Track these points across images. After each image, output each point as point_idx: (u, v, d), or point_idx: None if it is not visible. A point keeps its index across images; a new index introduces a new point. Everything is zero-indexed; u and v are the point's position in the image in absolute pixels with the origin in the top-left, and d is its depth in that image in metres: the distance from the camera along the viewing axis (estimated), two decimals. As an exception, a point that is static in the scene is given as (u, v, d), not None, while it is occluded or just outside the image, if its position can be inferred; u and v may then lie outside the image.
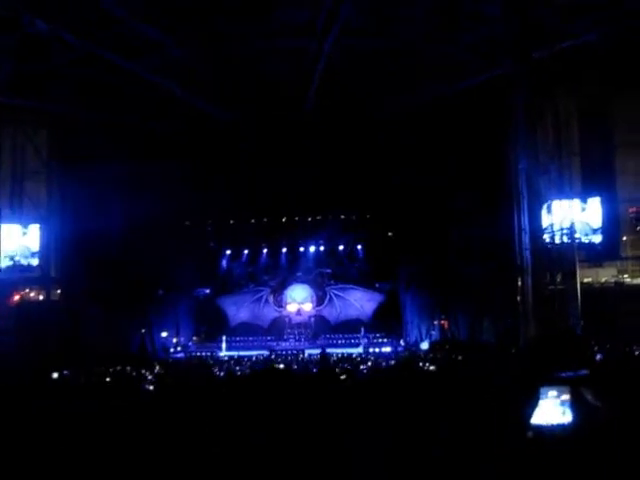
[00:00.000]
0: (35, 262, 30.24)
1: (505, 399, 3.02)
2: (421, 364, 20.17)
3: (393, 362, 23.87)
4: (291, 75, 25.35)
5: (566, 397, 3.23)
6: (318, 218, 36.05)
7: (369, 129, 28.53)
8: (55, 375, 17.18)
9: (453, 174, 28.18)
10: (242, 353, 32.01)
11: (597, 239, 27.30)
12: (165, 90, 25.50)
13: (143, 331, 32.70)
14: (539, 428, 3.07)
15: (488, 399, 3.15)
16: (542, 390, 3.07)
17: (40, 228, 30.31)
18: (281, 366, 22.32)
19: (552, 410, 3.16)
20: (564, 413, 3.19)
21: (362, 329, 35.18)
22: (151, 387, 13.14)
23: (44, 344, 26.98)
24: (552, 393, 3.20)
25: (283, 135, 29.18)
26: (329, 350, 30.38)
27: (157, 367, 23.14)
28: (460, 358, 20.65)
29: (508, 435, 2.86)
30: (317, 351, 30.75)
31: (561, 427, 3.17)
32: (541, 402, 3.02)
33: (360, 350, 32.46)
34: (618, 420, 3.08)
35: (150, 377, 17.84)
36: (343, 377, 14.68)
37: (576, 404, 3.18)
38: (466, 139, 27.29)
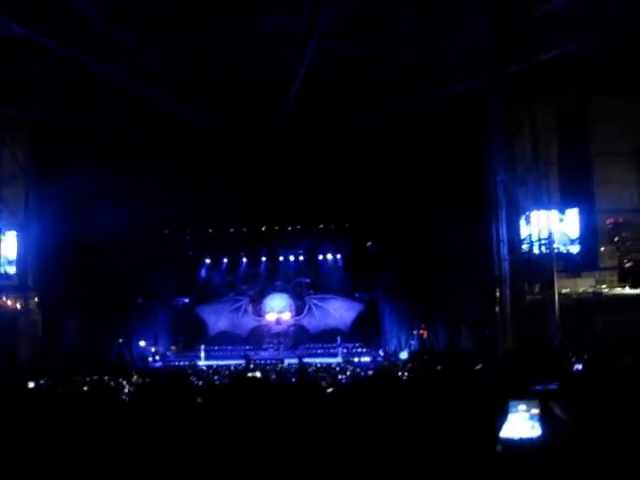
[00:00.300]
0: (12, 270, 30.00)
1: (476, 411, 3.00)
2: (400, 373, 20.15)
3: (371, 372, 23.83)
4: (271, 83, 25.31)
5: (535, 411, 3.22)
6: (298, 227, 36.05)
7: (348, 138, 28.51)
8: (31, 384, 16.97)
9: (432, 184, 28.23)
10: (220, 362, 31.88)
11: (575, 249, 27.47)
12: (143, 95, 25.37)
13: (121, 340, 32.52)
14: (508, 442, 3.05)
15: (461, 411, 3.13)
16: (512, 404, 3.06)
17: (17, 235, 30.05)
18: (257, 374, 22.20)
19: (521, 424, 3.14)
20: (533, 427, 3.18)
21: (338, 338, 35.21)
22: (127, 397, 13.02)
23: (21, 353, 26.77)
24: (522, 407, 3.19)
25: (262, 144, 29.10)
26: (308, 360, 30.37)
27: (135, 376, 22.97)
28: (438, 368, 20.63)
29: (477, 448, 2.84)
30: (296, 360, 30.72)
31: (530, 441, 3.16)
32: (510, 416, 3.01)
33: (339, 360, 32.43)
34: (587, 434, 3.08)
35: (127, 387, 17.69)
36: (330, 390, 14.67)
37: (545, 418, 3.17)
38: (445, 149, 27.36)
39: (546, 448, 3.13)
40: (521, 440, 3.16)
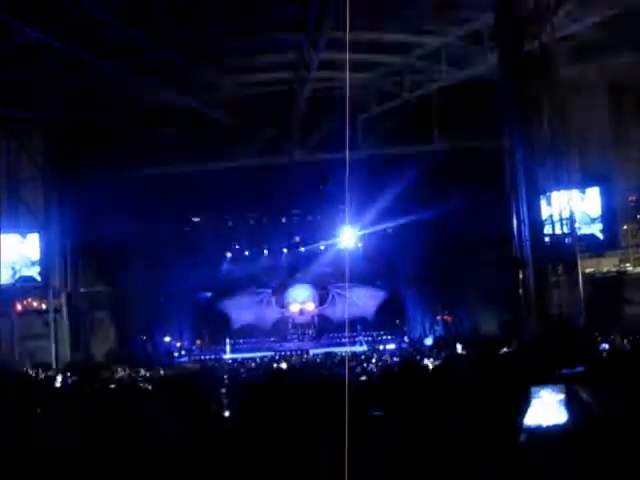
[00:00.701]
0: (36, 271, 30.18)
1: (499, 398, 2.92)
2: (425, 360, 20.09)
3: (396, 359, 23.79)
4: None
5: (560, 396, 3.13)
6: (318, 217, 35.99)
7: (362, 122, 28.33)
8: (59, 380, 17.14)
9: (450, 167, 28.03)
10: (246, 355, 31.94)
11: (597, 228, 27.24)
12: (159, 92, 25.42)
13: (144, 337, 32.68)
14: (532, 429, 2.96)
15: (482, 398, 3.05)
16: (535, 389, 2.97)
17: (39, 237, 30.23)
18: (283, 365, 22.23)
19: (546, 410, 3.06)
20: (558, 413, 3.09)
21: (358, 327, 35.21)
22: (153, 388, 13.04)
23: (47, 352, 26.97)
24: (546, 392, 3.10)
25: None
26: (333, 349, 30.40)
27: (162, 371, 23.09)
28: (463, 353, 20.57)
29: (501, 436, 2.76)
30: (321, 351, 30.75)
31: (555, 428, 3.07)
32: (534, 402, 2.92)
33: (365, 348, 32.39)
34: (614, 419, 2.99)
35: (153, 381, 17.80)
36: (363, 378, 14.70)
37: (571, 404, 3.09)
38: (462, 130, 27.12)
39: (572, 435, 3.05)
40: (546, 427, 3.08)
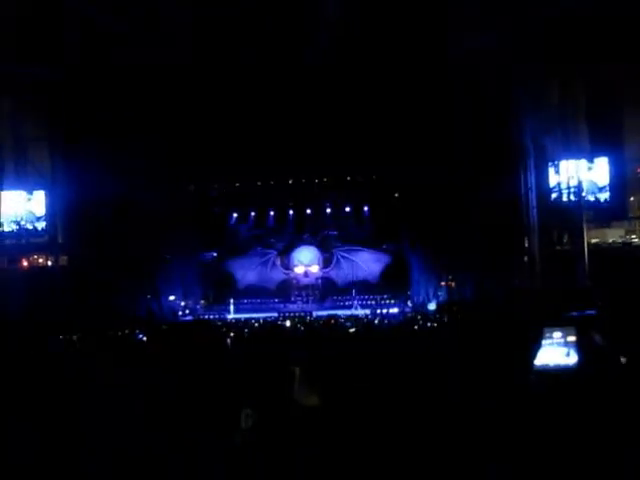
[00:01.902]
0: (41, 226, 30.32)
1: (509, 340, 2.93)
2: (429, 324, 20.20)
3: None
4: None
5: (572, 338, 3.16)
6: (324, 180, 35.96)
7: (373, 88, 28.17)
8: (61, 339, 17.19)
9: (458, 133, 27.88)
10: (249, 315, 32.05)
11: (604, 196, 27.20)
12: (165, 52, 25.24)
13: (149, 296, 32.77)
14: (543, 369, 2.99)
15: (492, 342, 3.06)
16: (546, 331, 2.98)
17: (45, 194, 30.33)
18: (287, 323, 22.41)
19: (556, 351, 3.09)
20: (569, 354, 3.12)
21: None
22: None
23: (52, 309, 27.08)
24: (557, 334, 3.13)
25: (287, 90, 28.79)
26: (336, 312, 30.51)
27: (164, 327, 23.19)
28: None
29: (510, 377, 2.78)
30: (324, 313, 30.87)
31: (566, 369, 3.10)
32: (545, 343, 2.94)
33: (367, 311, 32.47)
34: (625, 362, 3.01)
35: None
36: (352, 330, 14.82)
37: (582, 345, 3.11)
38: (471, 99, 26.97)
39: (583, 376, 3.08)
40: (557, 367, 3.11)
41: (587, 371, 3.07)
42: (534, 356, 2.94)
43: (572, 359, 3.13)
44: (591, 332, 3.16)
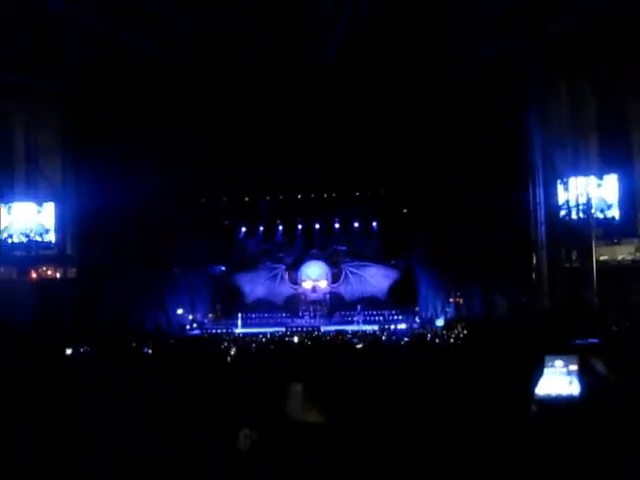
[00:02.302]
0: (51, 238, 30.42)
1: (510, 368, 2.91)
2: (437, 340, 20.11)
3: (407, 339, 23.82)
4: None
5: (574, 367, 3.13)
6: (333, 195, 35.97)
7: (383, 101, 28.15)
8: (69, 352, 17.18)
9: (468, 149, 27.83)
10: (257, 330, 32.00)
11: (613, 214, 27.11)
12: (174, 64, 25.37)
13: (158, 310, 32.78)
14: (544, 399, 2.96)
15: (493, 367, 3.03)
16: (548, 359, 2.95)
17: (55, 206, 30.44)
18: (295, 339, 22.33)
19: (558, 380, 3.06)
20: (571, 383, 3.10)
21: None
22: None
23: (61, 321, 27.15)
24: (559, 362, 3.11)
25: (297, 106, 28.83)
26: (344, 327, 30.46)
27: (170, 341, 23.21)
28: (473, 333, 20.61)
29: (511, 407, 2.76)
30: (333, 328, 30.80)
31: (568, 398, 3.07)
32: (547, 372, 2.91)
33: (375, 327, 32.40)
34: (628, 391, 2.98)
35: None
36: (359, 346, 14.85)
37: (585, 374, 3.09)
38: (481, 113, 26.95)
39: (585, 406, 3.05)
40: (558, 397, 3.09)
41: (589, 402, 3.05)
42: (535, 384, 2.92)
43: (574, 389, 3.11)
44: (593, 361, 3.15)
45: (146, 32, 22.84)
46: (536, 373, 2.88)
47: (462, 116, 27.35)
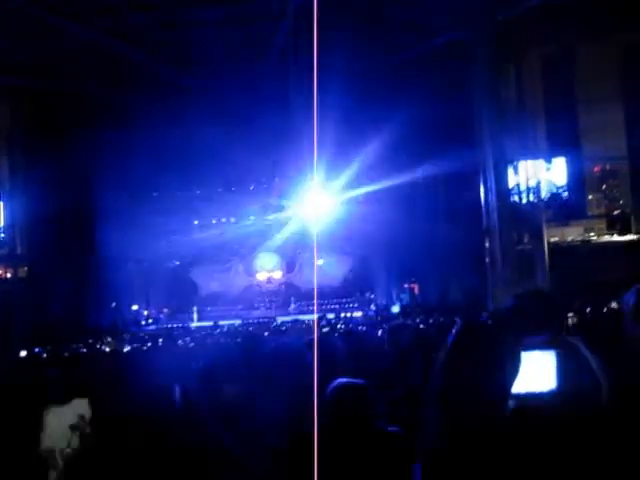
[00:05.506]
0: (-1, 236, 29.99)
1: (484, 364, 2.88)
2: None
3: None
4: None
5: (551, 361, 3.13)
6: (287, 183, 35.92)
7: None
8: (24, 353, 16.97)
9: (418, 135, 27.89)
10: (211, 323, 31.83)
11: (561, 196, 27.54)
12: (132, 58, 25.08)
13: (114, 304, 32.52)
14: (522, 396, 2.95)
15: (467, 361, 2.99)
16: (524, 355, 2.93)
17: (3, 205, 29.94)
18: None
19: (536, 376, 3.06)
20: (549, 379, 3.09)
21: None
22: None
23: (13, 322, 26.75)
24: (535, 356, 3.10)
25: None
26: (301, 317, 30.50)
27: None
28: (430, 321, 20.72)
29: (489, 405, 2.74)
30: (289, 319, 30.80)
31: (546, 394, 3.07)
32: (523, 368, 2.89)
33: (331, 316, 32.45)
34: (607, 382, 2.99)
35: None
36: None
37: (562, 367, 3.09)
38: (429, 99, 26.96)
39: (564, 400, 3.06)
40: (536, 394, 3.09)
41: (568, 394, 3.05)
42: (512, 382, 2.92)
43: (552, 383, 3.12)
44: (571, 348, 3.14)
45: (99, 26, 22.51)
46: (513, 370, 2.87)
47: (409, 103, 27.32)
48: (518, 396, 2.82)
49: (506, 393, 2.89)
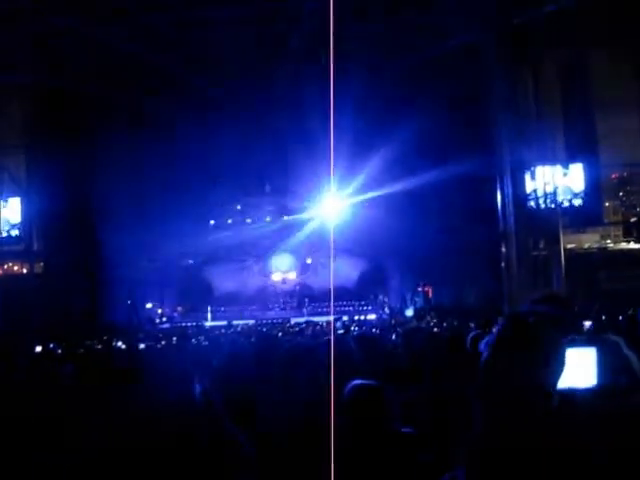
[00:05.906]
0: (16, 233, 30.09)
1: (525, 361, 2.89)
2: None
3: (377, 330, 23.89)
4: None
5: (592, 357, 3.15)
6: (303, 186, 35.96)
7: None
8: (39, 348, 17.03)
9: (435, 138, 27.81)
10: (225, 323, 31.86)
11: (578, 202, 27.45)
12: (144, 58, 25.16)
13: (129, 302, 32.60)
14: (565, 393, 2.96)
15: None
16: (567, 352, 2.93)
17: (21, 201, 30.12)
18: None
19: (575, 372, 3.07)
20: (589, 375, 3.11)
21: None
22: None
23: (28, 318, 26.88)
24: (575, 353, 3.11)
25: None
26: (314, 319, 30.42)
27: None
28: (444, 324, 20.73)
29: (535, 403, 2.75)
30: (302, 319, 30.78)
31: (585, 390, 3.09)
32: (566, 365, 2.89)
33: (345, 318, 32.40)
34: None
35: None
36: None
37: (602, 364, 3.10)
38: (446, 102, 26.95)
39: (603, 397, 3.08)
40: (575, 389, 3.10)
41: (609, 390, 3.07)
42: (557, 379, 2.94)
43: (593, 379, 3.13)
44: (612, 346, 3.15)
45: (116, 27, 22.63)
46: (557, 367, 2.89)
47: (426, 106, 27.29)
48: (559, 392, 2.84)
49: (552, 390, 2.89)
